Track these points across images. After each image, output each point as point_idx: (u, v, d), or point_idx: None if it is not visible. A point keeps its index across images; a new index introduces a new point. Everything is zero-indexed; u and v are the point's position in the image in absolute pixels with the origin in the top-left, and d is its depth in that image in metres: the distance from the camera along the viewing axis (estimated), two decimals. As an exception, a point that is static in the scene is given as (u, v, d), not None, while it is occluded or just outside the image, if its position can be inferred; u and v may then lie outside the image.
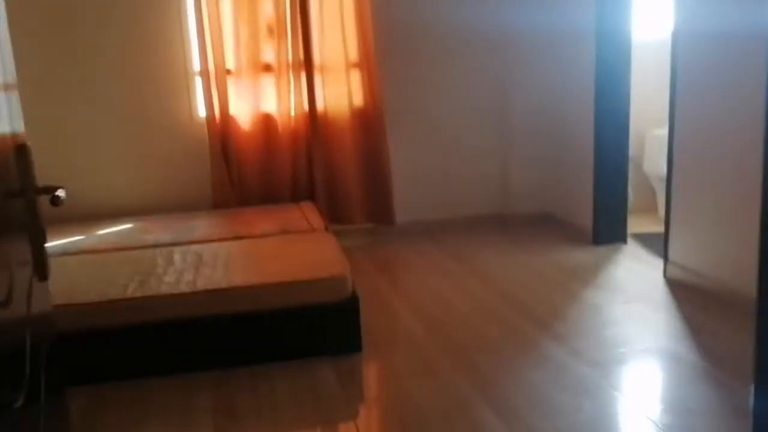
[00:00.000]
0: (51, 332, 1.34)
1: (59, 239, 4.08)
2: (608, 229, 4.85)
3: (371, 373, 3.19)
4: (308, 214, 4.50)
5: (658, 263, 4.24)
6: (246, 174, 4.90)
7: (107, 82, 4.68)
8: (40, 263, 1.37)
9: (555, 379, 2.92)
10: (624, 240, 4.82)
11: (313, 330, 3.24)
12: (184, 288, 3.16)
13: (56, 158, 4.67)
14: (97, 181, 4.77)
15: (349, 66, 4.94)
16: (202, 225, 4.37)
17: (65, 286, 3.20)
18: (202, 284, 3.20)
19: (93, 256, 3.76)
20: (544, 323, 3.51)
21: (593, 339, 3.31)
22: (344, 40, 4.90)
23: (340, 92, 4.96)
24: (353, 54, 4.94)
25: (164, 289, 3.16)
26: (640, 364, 3.08)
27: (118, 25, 4.64)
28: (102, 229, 4.35)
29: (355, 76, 4.98)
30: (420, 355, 3.24)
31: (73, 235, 4.19)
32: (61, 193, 1.40)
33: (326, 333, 3.25)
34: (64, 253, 3.85)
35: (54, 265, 3.60)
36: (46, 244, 1.45)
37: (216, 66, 4.72)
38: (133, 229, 4.35)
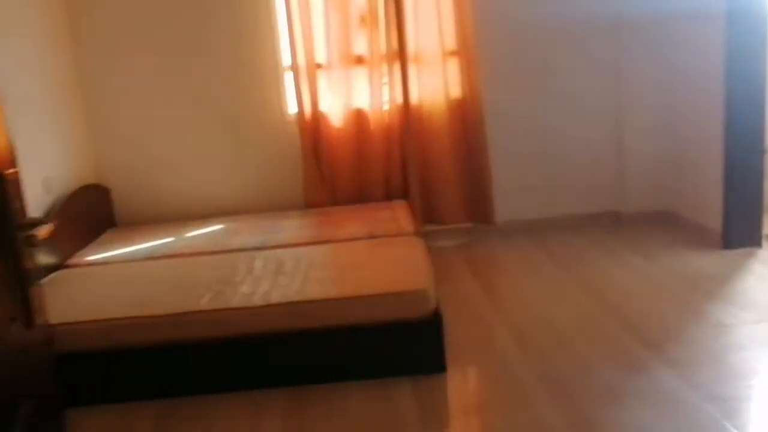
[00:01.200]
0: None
1: (147, 242, 4.07)
2: (740, 230, 4.25)
3: (453, 400, 2.89)
4: (400, 215, 4.25)
5: (800, 273, 3.65)
6: (338, 172, 4.71)
7: (198, 79, 4.61)
8: (25, 310, 1.17)
9: (667, 419, 2.50)
10: (759, 244, 4.21)
11: (391, 348, 2.99)
12: (257, 301, 3.00)
13: (148, 158, 4.67)
14: (188, 181, 4.74)
15: (445, 55, 4.62)
16: (289, 226, 4.22)
17: (140, 297, 3.13)
18: (276, 297, 3.02)
19: (176, 260, 3.70)
20: (656, 345, 3.06)
21: (715, 367, 2.84)
22: (440, 28, 4.58)
23: (436, 84, 4.66)
24: (450, 43, 4.61)
25: (237, 302, 3.01)
26: (773, 401, 2.60)
27: (209, 22, 4.55)
28: (191, 230, 4.30)
29: (453, 67, 4.65)
30: (511, 382, 2.89)
31: (161, 237, 4.16)
32: (42, 229, 1.20)
33: (406, 351, 2.99)
34: (150, 257, 3.81)
35: (136, 270, 3.59)
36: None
37: (306, 60, 4.55)
38: (222, 230, 4.26)
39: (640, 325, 3.30)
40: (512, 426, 2.55)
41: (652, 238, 4.56)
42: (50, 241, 3.49)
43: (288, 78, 4.66)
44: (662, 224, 4.82)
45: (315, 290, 3.05)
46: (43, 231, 1.23)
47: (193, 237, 4.16)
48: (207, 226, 4.37)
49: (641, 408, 2.59)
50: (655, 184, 4.88)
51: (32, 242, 1.19)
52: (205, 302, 3.01)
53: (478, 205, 4.80)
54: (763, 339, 3.06)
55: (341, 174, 4.71)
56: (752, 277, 3.78)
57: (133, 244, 4.05)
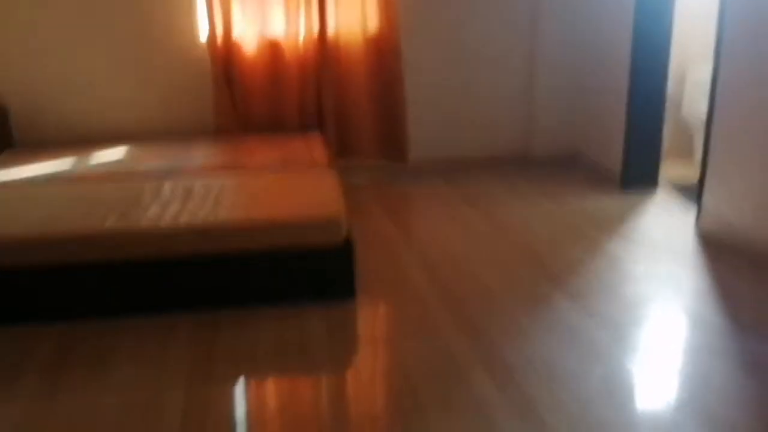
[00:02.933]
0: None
1: (48, 165, 3.86)
2: (639, 173, 4.47)
3: (363, 325, 2.94)
4: (313, 146, 4.20)
5: (691, 213, 3.88)
6: (250, 100, 4.58)
7: (105, -2, 4.35)
8: None
9: (565, 344, 2.64)
10: (655, 186, 4.45)
11: (302, 274, 2.99)
12: (166, 223, 2.91)
13: (49, 78, 4.40)
14: (94, 102, 4.50)
15: (364, -12, 4.54)
16: (199, 154, 4.10)
17: (43, 217, 2.98)
18: (185, 220, 2.94)
19: (79, 185, 3.52)
20: (559, 279, 3.20)
21: (610, 297, 3.01)
22: (359, -41, 4.48)
23: (354, 17, 4.57)
24: (369, -26, 4.52)
25: (145, 224, 2.92)
26: (660, 328, 2.78)
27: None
28: (96, 153, 4.11)
29: (371, 0, 4.57)
30: (418, 310, 2.96)
31: (63, 160, 3.96)
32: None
33: (317, 278, 3.00)
34: (51, 180, 3.62)
35: (37, 194, 3.41)
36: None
37: (220, -16, 4.35)
38: (127, 155, 4.09)
39: (544, 260, 3.44)
40: (419, 353, 2.62)
41: (558, 180, 4.72)
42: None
43: (200, 1, 4.45)
44: (568, 166, 4.99)
45: (226, 215, 2.99)
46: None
47: (97, 161, 3.98)
48: (111, 150, 4.18)
49: (542, 335, 2.71)
50: (563, 128, 5.03)
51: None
52: (110, 224, 2.90)
53: (391, 141, 4.80)
54: (655, 272, 3.25)
55: (254, 101, 4.59)
56: (647, 217, 3.99)
57: (32, 166, 3.83)
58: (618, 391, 2.34)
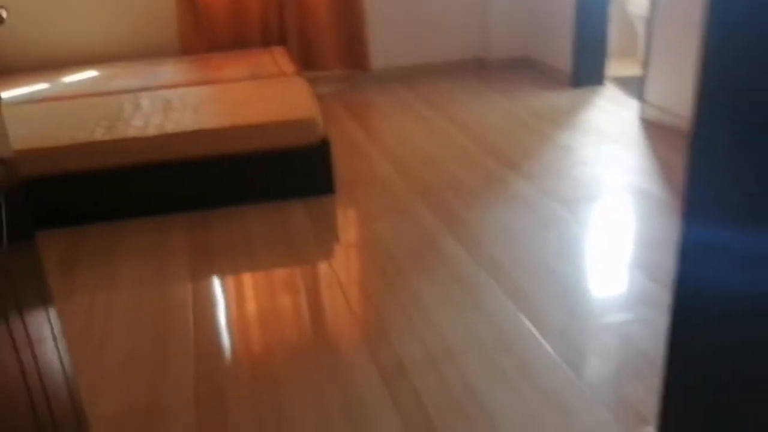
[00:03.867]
0: (11, 178, 1.30)
1: (22, 87, 3.98)
2: (587, 72, 4.78)
3: (343, 213, 3.23)
4: (279, 59, 4.38)
5: (635, 105, 4.22)
6: (213, 17, 4.70)
7: None
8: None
9: (522, 215, 2.99)
10: (602, 82, 4.77)
11: (284, 173, 3.25)
12: (152, 131, 3.12)
13: (21, 4, 4.44)
14: (58, 28, 4.57)
15: None
16: (169, 71, 4.25)
17: (32, 132, 3.15)
18: (170, 128, 3.16)
19: (58, 103, 3.68)
20: (515, 164, 3.53)
21: (563, 178, 3.35)
22: None
23: (310, -73, 4.67)
24: None
25: (132, 133, 3.12)
26: (607, 200, 3.14)
27: None
28: (66, 76, 4.23)
29: None
30: (391, 196, 3.28)
31: (36, 83, 4.07)
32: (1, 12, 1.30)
33: (298, 176, 3.26)
34: (29, 101, 3.76)
35: (18, 113, 3.56)
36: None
37: None
38: (99, 76, 4.22)
39: (500, 149, 3.75)
40: (395, 229, 2.94)
41: (512, 81, 5.00)
42: None
43: None
44: (522, 68, 5.27)
45: (208, 121, 3.21)
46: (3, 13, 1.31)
47: (71, 82, 4.10)
48: (84, 74, 4.30)
49: (502, 209, 3.05)
50: (517, 31, 5.27)
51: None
52: (99, 135, 3.10)
53: (353, 51, 5.00)
54: (598, 156, 3.60)
55: (217, 19, 4.71)
56: (595, 110, 4.32)
57: (8, 90, 3.95)
58: (570, 250, 2.70)
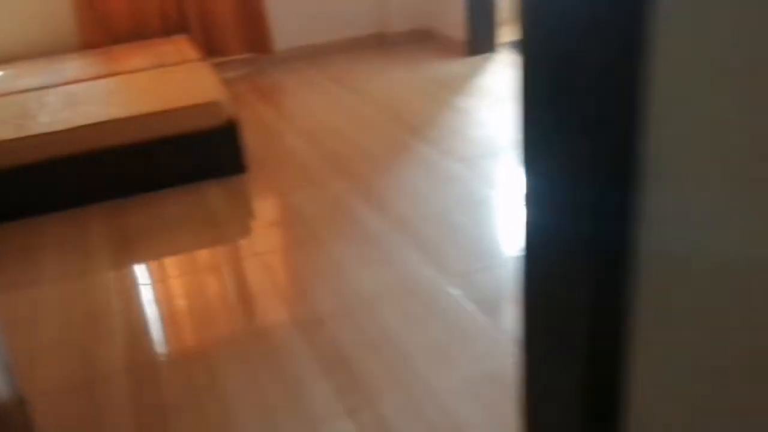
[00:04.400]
0: None
1: None
2: (480, 40, 5.04)
3: (258, 190, 3.38)
4: (182, 47, 4.45)
5: (524, 67, 4.52)
6: (111, 9, 4.70)
7: None
8: None
9: (426, 175, 3.22)
10: (494, 50, 5.05)
11: (196, 156, 3.37)
12: (61, 126, 3.18)
13: None
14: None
15: None
16: (72, 66, 4.25)
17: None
18: (79, 121, 3.22)
19: (-40, 105, 3.65)
20: (417, 129, 3.76)
21: (461, 139, 3.60)
22: None
23: None
24: None
25: (42, 129, 3.17)
26: (501, 156, 3.41)
27: None
28: (-35, 79, 4.17)
29: None
30: (303, 170, 3.45)
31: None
32: None
33: (210, 157, 3.39)
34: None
35: None
36: None
37: None
38: (0, 76, 4.19)
39: (403, 117, 3.98)
40: (308, 199, 3.12)
41: (412, 52, 5.22)
42: None
43: None
44: (421, 40, 5.49)
45: (116, 111, 3.29)
46: None
47: (-31, 84, 4.06)
48: (-19, 74, 4.25)
49: (407, 171, 3.28)
50: (414, 5, 5.48)
51: None
52: (8, 133, 3.13)
53: (256, 35, 5.10)
54: (492, 117, 3.87)
55: (115, 11, 4.72)
56: (489, 75, 4.60)
57: None
58: (471, 203, 2.95)
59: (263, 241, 2.86)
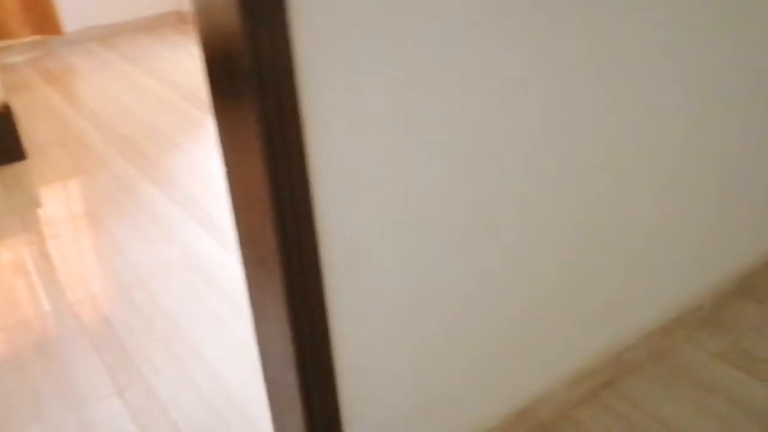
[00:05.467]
0: None
1: None
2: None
3: (38, 177, 3.21)
4: (-48, 30, 4.10)
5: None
6: None
7: None
8: None
9: (214, 151, 3.21)
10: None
11: (-34, 145, 3.14)
12: None
13: None
14: None
15: None
16: None
17: None
18: None
19: None
20: (202, 105, 3.73)
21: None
22: None
23: None
24: None
25: None
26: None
27: None
28: None
29: None
30: (89, 153, 3.32)
31: None
32: None
33: (-18, 146, 3.17)
34: None
35: None
36: None
37: None
38: None
39: (197, 94, 3.92)
40: (92, 183, 3.01)
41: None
42: None
43: None
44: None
45: None
46: None
47: None
48: None
49: (196, 148, 3.25)
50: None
51: None
52: None
53: (42, 15, 4.79)
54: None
55: None
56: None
57: None
58: (258, 176, 2.98)
59: (42, 229, 2.74)
